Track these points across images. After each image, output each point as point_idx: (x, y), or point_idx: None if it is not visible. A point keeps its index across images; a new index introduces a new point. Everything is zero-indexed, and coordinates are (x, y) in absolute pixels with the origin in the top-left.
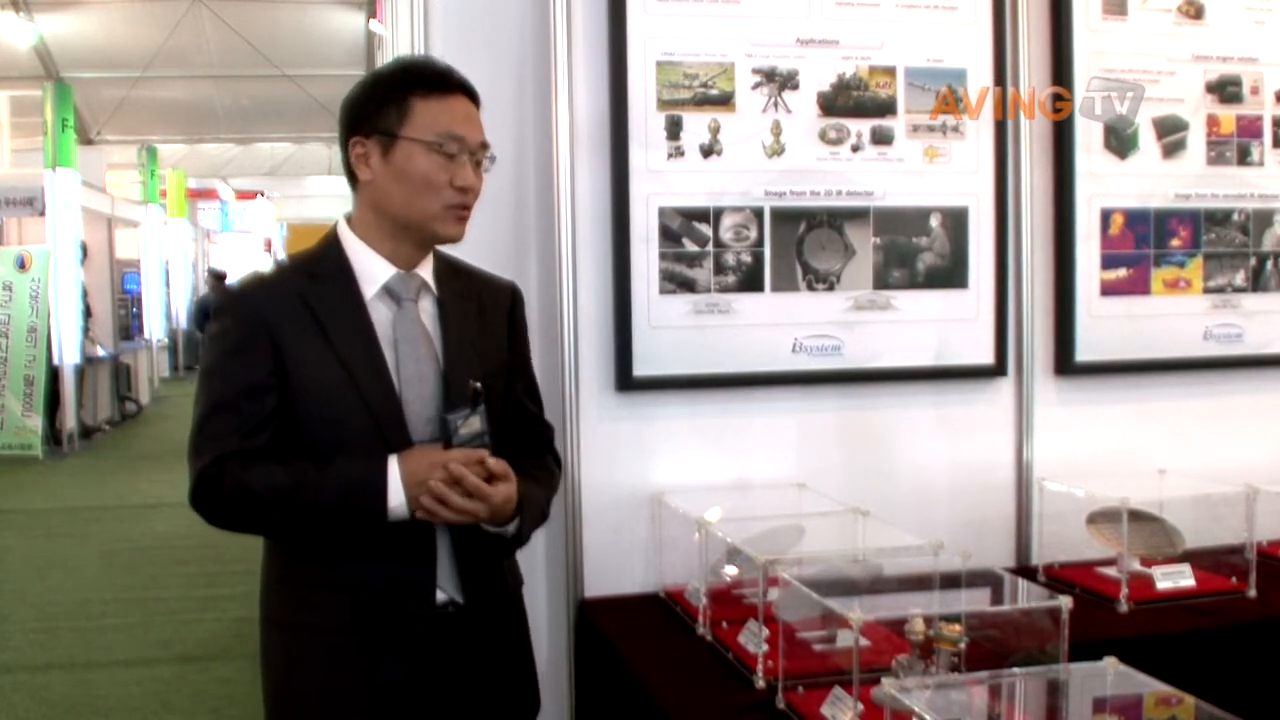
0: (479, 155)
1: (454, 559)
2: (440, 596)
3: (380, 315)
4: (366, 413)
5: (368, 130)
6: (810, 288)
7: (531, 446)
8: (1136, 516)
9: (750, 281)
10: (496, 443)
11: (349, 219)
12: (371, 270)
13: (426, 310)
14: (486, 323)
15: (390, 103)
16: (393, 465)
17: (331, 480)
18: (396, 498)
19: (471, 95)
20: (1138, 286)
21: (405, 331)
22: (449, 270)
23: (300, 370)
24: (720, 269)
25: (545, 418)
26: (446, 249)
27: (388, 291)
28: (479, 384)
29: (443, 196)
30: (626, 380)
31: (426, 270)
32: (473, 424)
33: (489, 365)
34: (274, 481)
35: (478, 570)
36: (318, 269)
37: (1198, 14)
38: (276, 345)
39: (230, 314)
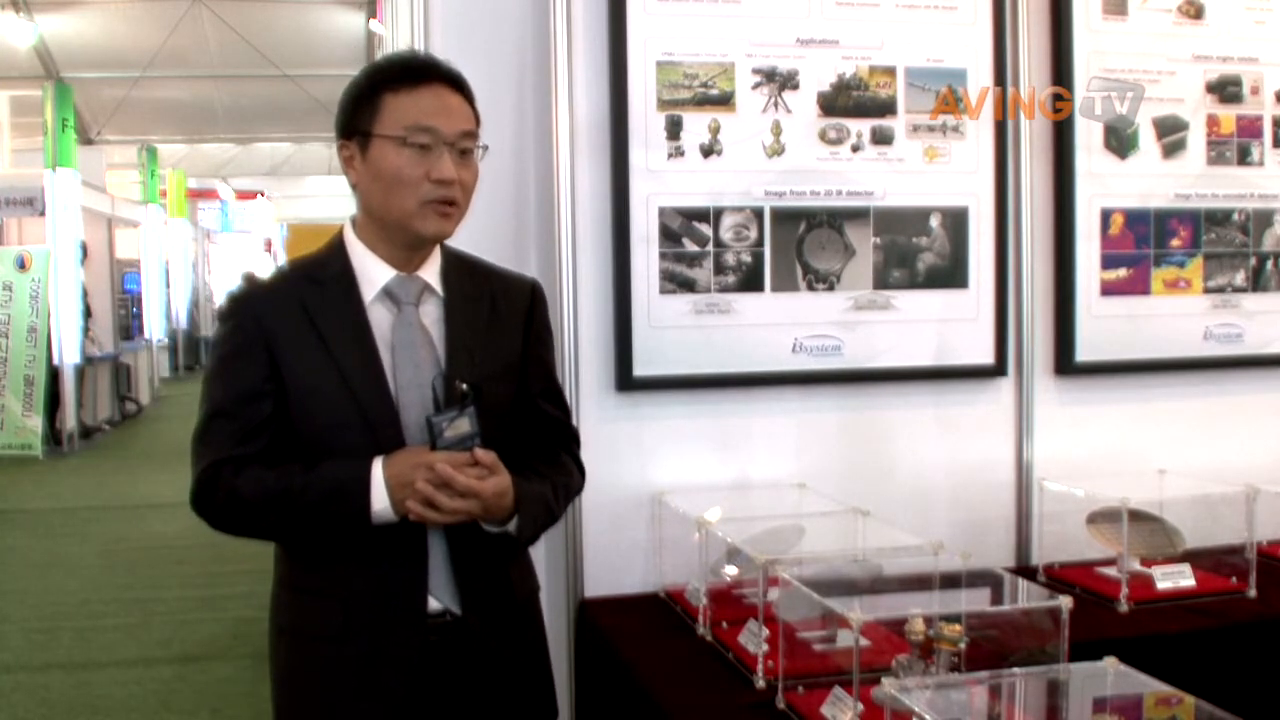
0: (462, 145)
1: (450, 566)
2: (435, 605)
3: (379, 319)
4: (361, 418)
5: (349, 132)
6: (810, 288)
7: (546, 450)
8: (1136, 516)
9: (750, 281)
10: (509, 446)
11: (353, 221)
12: (371, 273)
13: (430, 313)
14: (499, 323)
15: (364, 101)
16: (376, 467)
17: (316, 483)
18: (380, 500)
19: (453, 83)
20: (1138, 286)
21: (403, 335)
22: (463, 270)
23: (296, 376)
24: (720, 269)
25: (570, 422)
26: (462, 246)
27: (388, 294)
28: (465, 385)
29: (419, 192)
30: (626, 380)
31: (431, 271)
32: (460, 426)
33: (496, 367)
34: (263, 486)
35: (477, 579)
36: (320, 273)
37: (1198, 14)
38: (273, 351)
39: (230, 319)
